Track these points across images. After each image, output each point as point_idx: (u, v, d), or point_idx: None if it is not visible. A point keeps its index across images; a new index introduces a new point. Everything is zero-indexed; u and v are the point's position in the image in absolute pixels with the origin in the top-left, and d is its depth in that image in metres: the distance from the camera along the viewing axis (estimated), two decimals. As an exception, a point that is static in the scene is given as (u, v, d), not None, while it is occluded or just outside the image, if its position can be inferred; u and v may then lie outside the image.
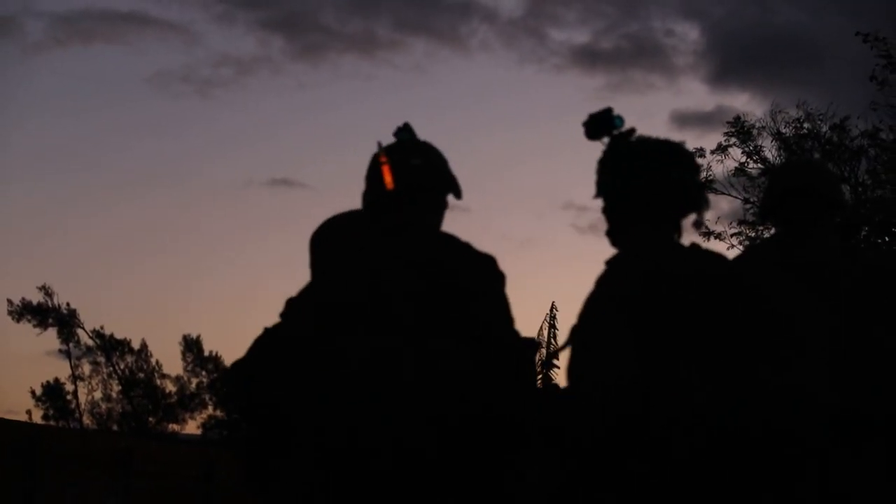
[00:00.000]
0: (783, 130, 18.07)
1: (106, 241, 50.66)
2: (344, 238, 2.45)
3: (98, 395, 38.84)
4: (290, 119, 54.18)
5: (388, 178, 2.41)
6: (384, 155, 2.44)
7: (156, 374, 39.55)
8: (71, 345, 38.29)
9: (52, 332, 37.88)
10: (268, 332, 2.40)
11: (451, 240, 2.42)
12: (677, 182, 2.36)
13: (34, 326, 37.50)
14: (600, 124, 2.44)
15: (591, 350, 2.30)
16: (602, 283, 2.39)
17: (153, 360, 39.63)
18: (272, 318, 2.42)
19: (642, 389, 2.14)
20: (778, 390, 2.16)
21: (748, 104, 49.62)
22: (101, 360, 38.78)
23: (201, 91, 51.70)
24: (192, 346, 39.95)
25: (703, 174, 15.73)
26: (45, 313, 37.64)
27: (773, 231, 3.16)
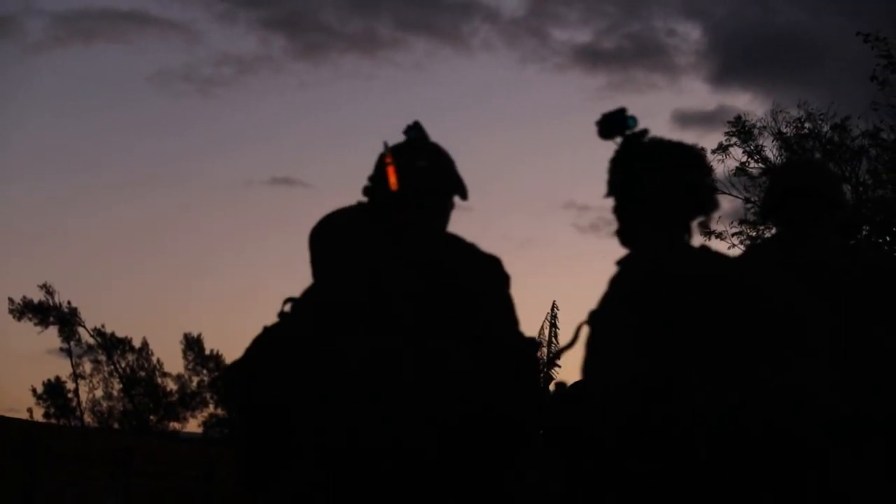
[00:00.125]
0: (784, 130, 18.07)
1: (107, 239, 50.49)
2: (344, 238, 2.45)
3: (99, 393, 38.77)
4: (292, 118, 53.95)
5: (393, 179, 2.40)
6: (390, 156, 2.43)
7: (157, 373, 39.48)
8: (72, 343, 38.23)
9: (53, 331, 37.82)
10: (267, 332, 2.40)
11: (455, 240, 2.42)
12: (691, 185, 2.37)
13: (35, 325, 37.41)
14: (613, 124, 2.43)
15: (600, 351, 2.31)
16: (614, 283, 2.39)
17: (154, 359, 39.56)
18: (273, 317, 2.42)
19: (643, 389, 2.15)
20: (778, 390, 2.16)
21: (749, 104, 49.58)
22: (102, 358, 38.73)
23: (202, 90, 51.47)
24: (193, 344, 39.89)
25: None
26: (46, 312, 37.58)
27: (773, 231, 3.16)
